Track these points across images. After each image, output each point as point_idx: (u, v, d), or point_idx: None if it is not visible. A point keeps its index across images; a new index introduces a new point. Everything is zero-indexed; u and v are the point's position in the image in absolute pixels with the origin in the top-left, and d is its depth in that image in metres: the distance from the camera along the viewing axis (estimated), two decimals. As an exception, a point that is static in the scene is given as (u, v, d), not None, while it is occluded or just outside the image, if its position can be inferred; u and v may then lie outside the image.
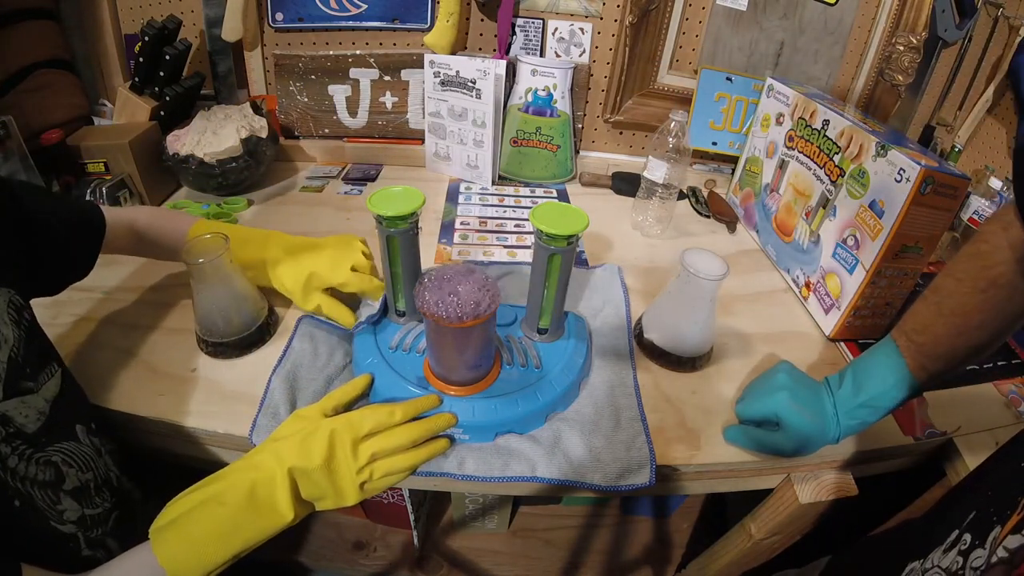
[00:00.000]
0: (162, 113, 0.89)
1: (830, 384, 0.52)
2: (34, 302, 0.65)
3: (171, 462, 0.57)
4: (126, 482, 0.47)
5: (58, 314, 0.64)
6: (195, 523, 0.39)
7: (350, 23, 0.96)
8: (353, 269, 0.59)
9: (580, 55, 0.99)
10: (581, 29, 0.96)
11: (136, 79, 0.88)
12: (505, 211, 0.92)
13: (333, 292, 0.61)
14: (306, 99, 1.00)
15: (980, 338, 0.44)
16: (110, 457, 0.46)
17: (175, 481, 0.44)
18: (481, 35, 0.98)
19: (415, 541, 1.02)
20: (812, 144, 0.75)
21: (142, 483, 0.51)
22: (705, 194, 1.00)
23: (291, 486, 0.41)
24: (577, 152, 1.07)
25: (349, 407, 0.49)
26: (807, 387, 0.52)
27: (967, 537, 0.34)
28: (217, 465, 0.53)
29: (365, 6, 0.94)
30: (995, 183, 0.84)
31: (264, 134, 0.89)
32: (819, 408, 0.50)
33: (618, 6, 0.94)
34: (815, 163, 0.74)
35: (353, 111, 1.01)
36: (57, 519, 0.40)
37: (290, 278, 0.60)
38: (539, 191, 1.00)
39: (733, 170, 0.99)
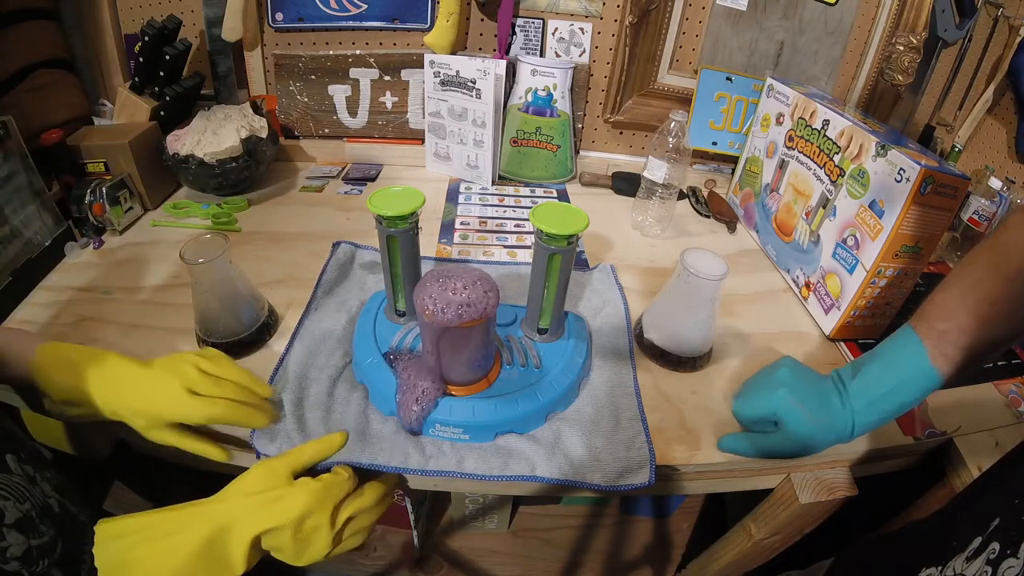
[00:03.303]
0: (162, 113, 0.89)
1: (841, 378, 0.49)
2: (32, 303, 0.66)
3: (171, 463, 0.57)
4: (69, 506, 0.45)
5: (59, 314, 0.65)
6: (142, 567, 0.37)
7: (350, 23, 0.96)
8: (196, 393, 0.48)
9: (580, 55, 0.99)
10: (581, 29, 0.96)
11: (136, 79, 0.88)
12: (505, 211, 0.92)
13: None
14: (306, 99, 1.00)
15: (1004, 331, 0.43)
16: (47, 484, 0.44)
17: (176, 486, 0.43)
18: (481, 35, 0.98)
19: (415, 541, 1.01)
20: (812, 144, 0.75)
21: (90, 503, 0.49)
22: (705, 194, 1.00)
23: (251, 543, 0.40)
24: (577, 152, 1.07)
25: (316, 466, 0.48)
26: (811, 383, 0.50)
27: (995, 545, 0.33)
28: (218, 467, 0.53)
29: (365, 6, 0.94)
30: (995, 183, 0.84)
31: (264, 134, 0.89)
32: (824, 405, 0.48)
33: (618, 6, 0.94)
34: (815, 163, 0.74)
35: (353, 111, 1.01)
36: None
37: (112, 410, 0.48)
38: (539, 191, 1.00)
39: (733, 170, 0.99)
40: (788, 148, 0.81)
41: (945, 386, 0.45)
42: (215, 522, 0.39)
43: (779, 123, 0.84)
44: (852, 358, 0.67)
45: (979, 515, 0.36)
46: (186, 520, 0.39)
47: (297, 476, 0.45)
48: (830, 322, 0.69)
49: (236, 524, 0.40)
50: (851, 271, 0.66)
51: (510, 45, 0.97)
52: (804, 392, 0.49)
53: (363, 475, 0.49)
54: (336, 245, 0.77)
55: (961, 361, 0.44)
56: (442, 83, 0.92)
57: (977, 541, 0.34)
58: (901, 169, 0.59)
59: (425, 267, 0.58)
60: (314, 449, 0.47)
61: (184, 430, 0.49)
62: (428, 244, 0.82)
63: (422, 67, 0.94)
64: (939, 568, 0.36)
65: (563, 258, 0.53)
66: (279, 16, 0.95)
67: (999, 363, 0.67)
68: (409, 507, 0.93)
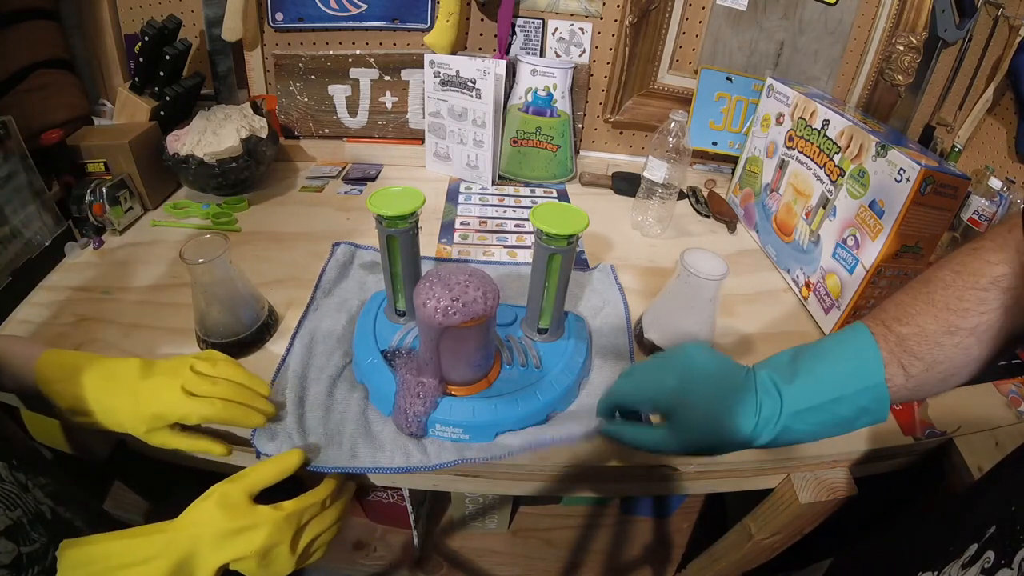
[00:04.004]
0: (162, 113, 0.89)
1: (775, 381, 0.40)
2: (32, 303, 0.66)
3: (171, 463, 0.57)
4: (63, 513, 0.45)
5: (59, 314, 0.65)
6: None
7: (350, 23, 0.96)
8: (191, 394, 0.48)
9: (580, 55, 0.99)
10: (581, 29, 0.96)
11: (136, 79, 0.88)
12: (505, 211, 0.92)
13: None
14: (306, 99, 1.00)
15: (969, 349, 0.37)
16: (40, 490, 0.44)
17: (177, 487, 0.44)
18: (481, 35, 0.98)
19: (415, 541, 1.02)
20: (812, 144, 0.75)
21: (89, 507, 0.50)
22: (705, 194, 1.00)
23: (216, 570, 0.41)
24: (577, 152, 1.07)
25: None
26: (715, 379, 0.42)
27: (990, 554, 0.32)
28: (218, 466, 0.53)
29: (365, 6, 0.94)
30: (995, 183, 0.84)
31: (264, 134, 0.89)
32: (726, 408, 0.40)
33: (618, 6, 0.94)
34: (815, 163, 0.74)
35: (353, 111, 1.01)
36: None
37: (116, 420, 0.48)
38: (539, 191, 1.00)
39: (733, 170, 0.99)
40: (788, 148, 0.81)
41: (893, 403, 0.38)
42: (180, 551, 0.40)
43: (779, 123, 0.84)
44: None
45: (977, 520, 0.35)
46: (151, 549, 0.40)
47: (256, 498, 0.45)
48: (830, 322, 0.69)
49: (201, 554, 0.41)
50: (851, 271, 0.66)
51: (510, 45, 0.97)
52: (701, 391, 0.41)
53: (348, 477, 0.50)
54: (336, 245, 0.77)
55: (917, 375, 0.38)
56: (442, 83, 0.92)
57: (973, 548, 0.34)
58: (901, 169, 0.59)
59: (425, 267, 0.58)
60: (271, 470, 0.46)
61: (185, 431, 0.49)
62: (428, 244, 0.82)
63: (422, 67, 0.94)
64: (935, 573, 0.36)
65: (563, 258, 0.53)
66: (279, 16, 0.95)
67: (999, 363, 0.67)
68: (409, 507, 0.93)
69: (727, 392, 0.41)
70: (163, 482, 0.85)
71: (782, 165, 0.82)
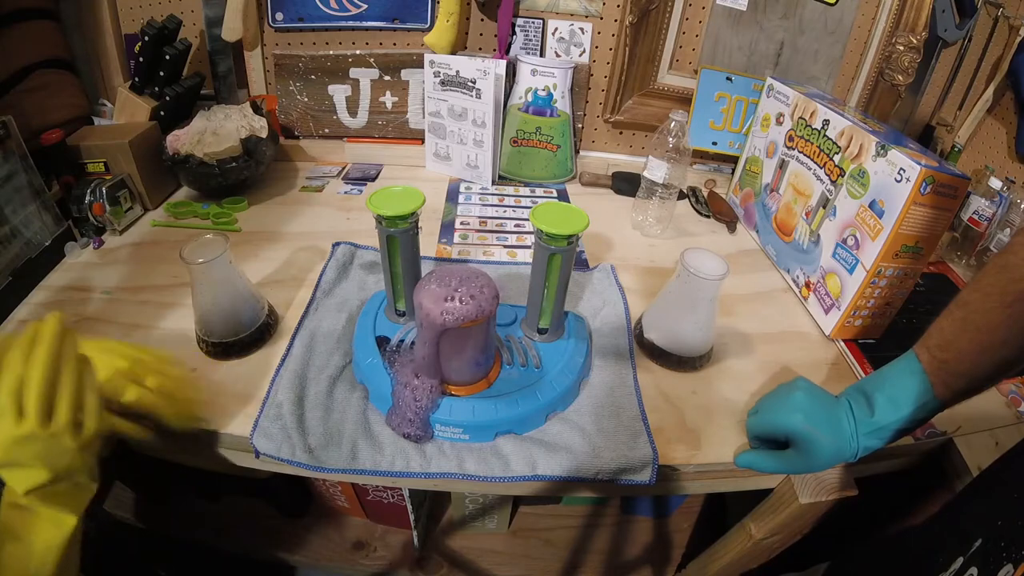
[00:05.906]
0: (162, 113, 0.89)
1: (852, 408, 0.49)
2: (33, 303, 0.66)
3: (171, 463, 0.57)
4: None
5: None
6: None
7: (350, 23, 0.96)
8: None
9: (580, 55, 0.99)
10: (581, 29, 0.97)
11: (136, 79, 0.88)
12: (505, 211, 0.92)
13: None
14: (306, 99, 1.00)
15: (1004, 355, 0.43)
16: None
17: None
18: (481, 35, 0.98)
19: (415, 541, 1.01)
20: (812, 144, 0.75)
21: None
22: (705, 194, 1.00)
23: (26, 491, 0.38)
24: (577, 152, 1.07)
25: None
26: (825, 409, 0.50)
27: (973, 571, 0.32)
28: (217, 466, 0.53)
29: (365, 6, 0.94)
30: (995, 183, 0.84)
31: (264, 134, 0.89)
32: (836, 432, 0.48)
33: (618, 6, 0.94)
34: (815, 163, 0.74)
35: (353, 111, 1.01)
36: None
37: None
38: (539, 191, 1.00)
39: (733, 170, 0.99)
40: (788, 148, 0.81)
41: (946, 408, 0.46)
42: None
43: (779, 123, 0.84)
44: (852, 358, 0.67)
45: (965, 533, 0.36)
46: None
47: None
48: (830, 322, 0.69)
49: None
50: (851, 271, 0.66)
51: (510, 45, 0.97)
52: (819, 419, 0.49)
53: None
54: (336, 245, 0.77)
55: (961, 388, 0.44)
56: (442, 83, 0.92)
57: (959, 562, 0.34)
58: (901, 169, 0.59)
59: (425, 267, 0.58)
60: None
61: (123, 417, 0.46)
62: (428, 244, 0.82)
63: (422, 67, 0.94)
64: None
65: (563, 258, 0.53)
66: (279, 16, 0.95)
67: None
68: (409, 507, 0.93)
69: (836, 424, 0.49)
70: (163, 482, 0.85)
71: (782, 165, 0.82)
